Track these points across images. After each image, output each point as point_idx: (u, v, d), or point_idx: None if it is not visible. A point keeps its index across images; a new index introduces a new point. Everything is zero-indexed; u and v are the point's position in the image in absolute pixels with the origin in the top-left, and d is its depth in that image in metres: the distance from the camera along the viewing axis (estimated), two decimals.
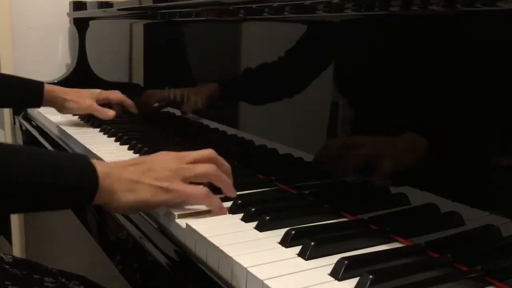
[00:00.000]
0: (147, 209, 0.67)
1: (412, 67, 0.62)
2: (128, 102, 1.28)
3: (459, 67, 0.56)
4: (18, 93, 1.21)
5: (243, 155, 0.90)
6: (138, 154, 0.95)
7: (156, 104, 1.24)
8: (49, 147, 1.16)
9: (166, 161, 0.66)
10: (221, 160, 0.70)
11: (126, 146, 1.02)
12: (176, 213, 0.64)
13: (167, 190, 0.63)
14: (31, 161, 0.57)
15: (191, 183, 0.65)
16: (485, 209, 0.53)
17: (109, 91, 1.30)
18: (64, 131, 1.18)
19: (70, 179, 0.58)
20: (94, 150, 0.96)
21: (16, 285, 0.77)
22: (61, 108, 1.23)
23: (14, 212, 0.55)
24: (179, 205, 0.65)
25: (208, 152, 0.69)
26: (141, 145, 0.97)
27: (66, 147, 1.12)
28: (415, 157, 0.61)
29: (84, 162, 0.60)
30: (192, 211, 0.65)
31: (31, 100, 1.22)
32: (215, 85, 1.02)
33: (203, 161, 0.68)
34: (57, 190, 0.58)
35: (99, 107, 1.22)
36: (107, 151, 0.97)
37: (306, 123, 0.78)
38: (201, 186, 0.65)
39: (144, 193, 0.62)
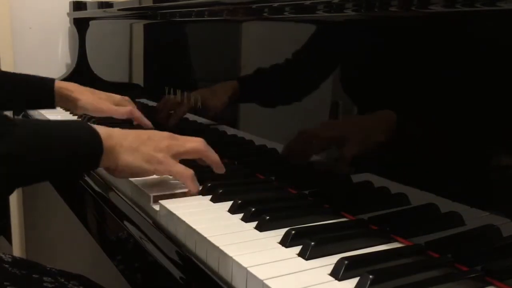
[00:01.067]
0: (140, 175, 0.72)
1: (412, 67, 0.62)
2: (136, 114, 1.10)
3: (459, 67, 0.56)
4: (24, 93, 1.09)
5: (243, 155, 0.90)
6: None
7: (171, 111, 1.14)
8: None
9: (162, 136, 0.72)
10: (211, 149, 0.75)
11: None
12: (176, 212, 0.64)
13: (159, 161, 0.69)
14: (40, 137, 0.61)
15: (182, 162, 0.71)
16: (485, 209, 0.53)
17: (126, 99, 1.15)
18: None
19: (78, 148, 0.63)
20: None
21: (15, 285, 0.77)
22: (75, 108, 1.11)
23: (27, 185, 0.61)
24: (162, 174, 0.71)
25: (200, 138, 0.75)
26: None
27: None
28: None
29: (87, 129, 0.65)
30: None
31: (40, 100, 1.10)
32: (233, 83, 0.93)
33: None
34: (67, 161, 0.63)
35: (115, 108, 1.08)
36: None
37: (306, 123, 0.78)
38: (186, 167, 0.70)
39: (141, 159, 0.68)
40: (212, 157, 0.74)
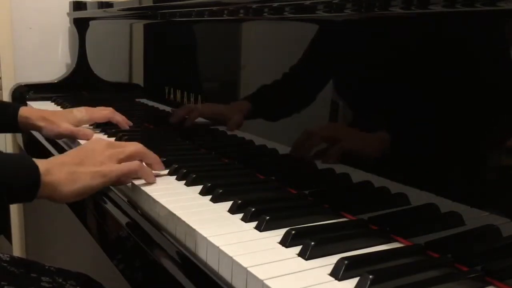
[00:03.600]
0: (90, 193, 0.74)
1: (412, 67, 0.62)
2: (116, 119, 1.16)
3: (460, 67, 0.56)
4: None
5: (243, 155, 0.90)
6: None
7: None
8: (53, 150, 1.13)
9: (100, 149, 0.76)
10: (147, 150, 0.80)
11: None
12: (176, 213, 0.64)
13: (103, 173, 0.72)
14: None
15: None
16: (485, 209, 0.53)
17: (94, 109, 1.16)
18: None
19: (15, 178, 0.66)
20: None
21: (12, 285, 0.77)
22: (41, 133, 1.11)
23: None
24: (118, 183, 0.75)
25: (136, 143, 0.81)
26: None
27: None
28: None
29: (27, 162, 0.68)
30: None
31: (7, 126, 1.12)
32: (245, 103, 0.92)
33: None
34: (3, 189, 0.65)
35: (77, 129, 1.08)
36: None
37: (306, 122, 0.78)
38: (131, 162, 0.75)
39: (84, 180, 0.71)
40: (152, 156, 0.81)
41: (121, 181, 0.76)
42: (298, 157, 0.77)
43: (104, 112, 1.15)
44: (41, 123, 1.10)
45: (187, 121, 1.08)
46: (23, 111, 1.11)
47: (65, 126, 1.08)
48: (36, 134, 1.27)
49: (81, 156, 0.73)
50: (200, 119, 1.05)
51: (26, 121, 1.11)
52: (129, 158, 0.77)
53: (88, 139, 1.04)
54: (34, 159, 0.69)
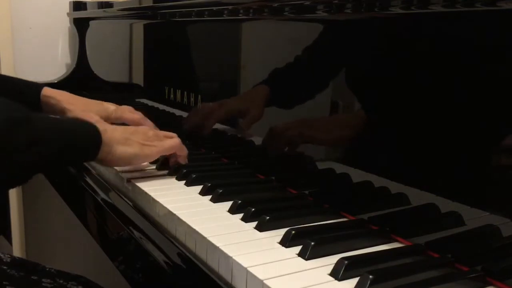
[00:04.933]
0: (136, 162, 0.80)
1: (412, 67, 0.62)
2: (148, 124, 1.02)
3: (460, 67, 0.56)
4: (7, 95, 1.02)
5: (243, 155, 0.90)
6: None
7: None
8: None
9: (145, 129, 0.84)
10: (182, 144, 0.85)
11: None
12: (176, 213, 0.64)
13: (150, 146, 0.78)
14: (52, 130, 0.67)
15: None
16: (485, 209, 0.53)
17: (125, 108, 1.06)
18: None
19: (82, 139, 0.71)
20: None
21: (13, 286, 0.77)
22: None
23: (35, 173, 0.67)
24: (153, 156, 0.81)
25: (174, 134, 0.85)
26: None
27: None
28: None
29: (87, 124, 0.73)
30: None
31: (28, 104, 0.95)
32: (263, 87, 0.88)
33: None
34: (72, 152, 0.70)
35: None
36: None
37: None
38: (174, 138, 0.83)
39: (134, 148, 0.76)
40: (184, 152, 0.85)
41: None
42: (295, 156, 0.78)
43: (135, 116, 1.03)
44: (70, 106, 1.01)
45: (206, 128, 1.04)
46: (46, 90, 1.04)
47: (97, 118, 0.96)
48: None
49: (131, 129, 0.80)
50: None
51: (49, 101, 1.02)
52: (166, 151, 0.82)
53: None
54: (90, 121, 0.74)
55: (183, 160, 0.85)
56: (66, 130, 0.70)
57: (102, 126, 0.75)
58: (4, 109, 0.63)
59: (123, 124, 1.00)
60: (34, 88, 1.05)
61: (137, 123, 1.01)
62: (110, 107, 1.04)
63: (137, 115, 1.04)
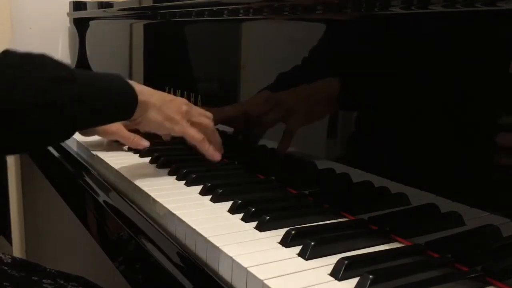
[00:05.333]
0: (159, 130, 0.83)
1: (412, 67, 0.62)
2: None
3: (459, 67, 0.56)
4: None
5: (243, 155, 0.90)
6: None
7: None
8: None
9: (181, 102, 0.83)
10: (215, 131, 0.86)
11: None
12: (176, 213, 0.64)
13: (176, 122, 0.80)
14: (96, 87, 0.71)
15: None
16: (485, 209, 0.53)
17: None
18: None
19: (121, 100, 0.74)
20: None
21: (14, 286, 0.77)
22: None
23: (82, 128, 0.79)
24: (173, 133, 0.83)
25: (210, 121, 0.86)
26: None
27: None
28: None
29: (126, 83, 0.75)
30: None
31: None
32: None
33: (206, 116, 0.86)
34: (113, 109, 0.74)
35: (128, 133, 0.96)
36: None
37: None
38: (201, 134, 0.82)
39: (162, 117, 0.79)
40: (215, 138, 0.85)
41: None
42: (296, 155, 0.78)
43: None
44: None
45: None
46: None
47: (116, 126, 0.95)
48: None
49: (167, 98, 0.81)
50: None
51: None
52: (199, 125, 0.83)
53: (136, 147, 0.96)
54: (127, 80, 0.76)
55: (215, 149, 0.84)
56: (107, 90, 0.73)
57: (139, 87, 0.76)
58: (52, 67, 0.68)
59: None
60: None
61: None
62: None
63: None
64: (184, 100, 0.84)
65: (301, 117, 0.77)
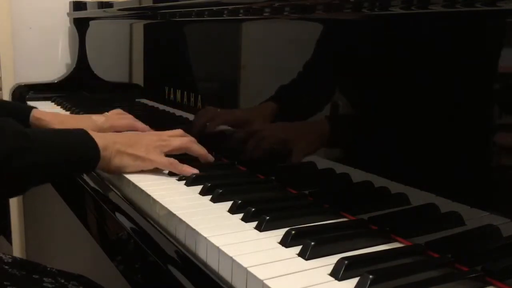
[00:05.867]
0: (129, 172, 0.83)
1: (413, 67, 0.62)
2: (137, 126, 1.09)
3: (459, 67, 0.56)
4: None
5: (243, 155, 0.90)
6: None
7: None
8: None
9: (150, 139, 0.85)
10: (192, 138, 0.88)
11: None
12: (176, 213, 0.64)
13: (143, 159, 0.82)
14: (48, 144, 0.74)
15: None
16: (485, 209, 0.53)
17: (114, 116, 1.11)
18: None
19: (82, 154, 0.77)
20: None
21: (15, 285, 0.77)
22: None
23: (36, 185, 0.75)
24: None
25: (185, 137, 0.88)
26: None
27: None
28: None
29: (87, 138, 0.78)
30: None
31: None
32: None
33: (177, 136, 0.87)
34: (73, 166, 0.78)
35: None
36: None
37: (305, 121, 0.78)
38: (168, 158, 0.83)
39: (127, 160, 0.82)
40: (197, 150, 0.87)
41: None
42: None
43: (125, 122, 1.10)
44: (60, 126, 1.06)
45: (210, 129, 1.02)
46: (36, 112, 1.09)
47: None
48: None
49: (132, 140, 0.83)
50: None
51: (39, 123, 1.07)
52: (173, 151, 0.84)
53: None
54: (91, 133, 0.79)
55: (203, 160, 0.87)
56: (69, 152, 0.76)
57: (103, 142, 0.79)
58: (10, 137, 0.70)
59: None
60: (24, 110, 1.10)
61: (130, 128, 1.08)
62: (99, 119, 1.09)
63: (127, 120, 1.10)
64: (153, 137, 0.86)
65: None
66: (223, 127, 0.96)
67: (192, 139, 0.87)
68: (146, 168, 0.82)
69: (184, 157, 0.86)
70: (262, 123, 0.86)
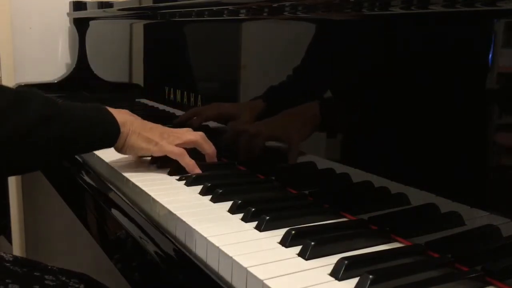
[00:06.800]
0: (140, 153, 0.86)
1: (413, 67, 0.62)
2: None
3: (459, 67, 0.56)
4: None
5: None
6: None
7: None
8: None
9: (164, 128, 0.87)
10: (203, 134, 0.88)
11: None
12: (176, 212, 0.64)
13: (155, 143, 0.84)
14: (81, 120, 0.78)
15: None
16: (485, 209, 0.53)
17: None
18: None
19: (105, 131, 0.81)
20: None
21: (16, 283, 0.77)
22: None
23: (60, 160, 0.84)
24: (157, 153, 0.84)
25: (200, 133, 0.87)
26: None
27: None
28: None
29: (108, 115, 0.81)
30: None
31: None
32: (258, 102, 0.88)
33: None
34: (96, 140, 0.81)
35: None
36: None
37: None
38: (179, 147, 0.83)
39: (141, 141, 0.84)
40: (207, 148, 0.87)
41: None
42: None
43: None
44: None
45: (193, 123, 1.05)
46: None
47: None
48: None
49: (147, 126, 0.85)
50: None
51: None
52: (186, 144, 0.85)
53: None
54: (109, 108, 0.82)
55: (208, 159, 0.87)
56: (90, 122, 0.79)
57: (122, 119, 0.82)
58: (39, 105, 0.72)
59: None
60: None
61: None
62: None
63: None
64: (164, 128, 0.87)
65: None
66: (221, 126, 0.96)
67: (204, 136, 0.87)
68: (156, 154, 0.84)
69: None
70: (259, 121, 0.87)
